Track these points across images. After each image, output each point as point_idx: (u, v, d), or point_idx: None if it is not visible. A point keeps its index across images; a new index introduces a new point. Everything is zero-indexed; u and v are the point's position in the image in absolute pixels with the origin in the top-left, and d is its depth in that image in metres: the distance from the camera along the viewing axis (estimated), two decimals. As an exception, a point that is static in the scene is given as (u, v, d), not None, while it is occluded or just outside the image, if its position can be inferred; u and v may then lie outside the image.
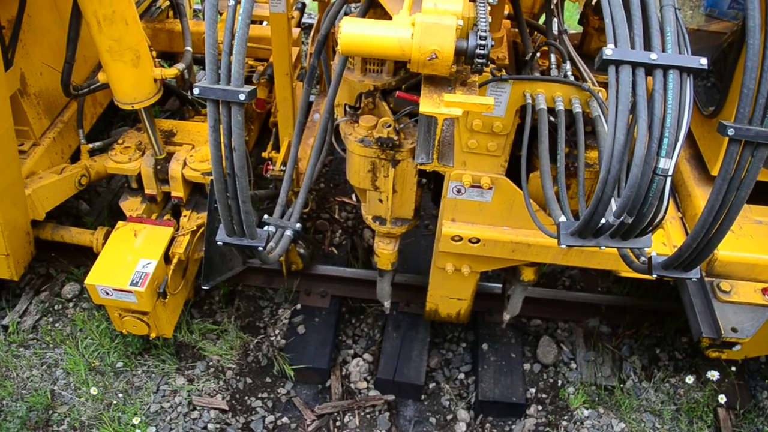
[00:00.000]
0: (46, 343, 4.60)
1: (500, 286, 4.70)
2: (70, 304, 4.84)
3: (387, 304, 4.34)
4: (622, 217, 2.07)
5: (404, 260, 4.05)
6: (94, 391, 4.27)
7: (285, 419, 4.30)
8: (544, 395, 4.51)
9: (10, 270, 4.26)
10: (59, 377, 4.41)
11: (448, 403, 4.44)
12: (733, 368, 4.42)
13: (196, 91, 2.17)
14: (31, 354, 4.53)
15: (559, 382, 4.57)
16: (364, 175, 3.28)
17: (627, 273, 3.63)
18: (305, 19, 7.61)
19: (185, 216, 4.48)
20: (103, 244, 4.22)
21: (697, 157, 3.97)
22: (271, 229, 2.93)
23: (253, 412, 4.31)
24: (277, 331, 4.72)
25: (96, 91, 4.45)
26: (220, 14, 4.31)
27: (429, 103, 2.19)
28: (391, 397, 4.39)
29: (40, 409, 4.22)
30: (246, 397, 4.39)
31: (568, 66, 3.03)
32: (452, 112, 2.13)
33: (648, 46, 1.94)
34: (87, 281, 3.92)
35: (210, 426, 4.20)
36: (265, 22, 5.79)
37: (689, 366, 4.65)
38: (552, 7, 3.35)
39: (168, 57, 5.89)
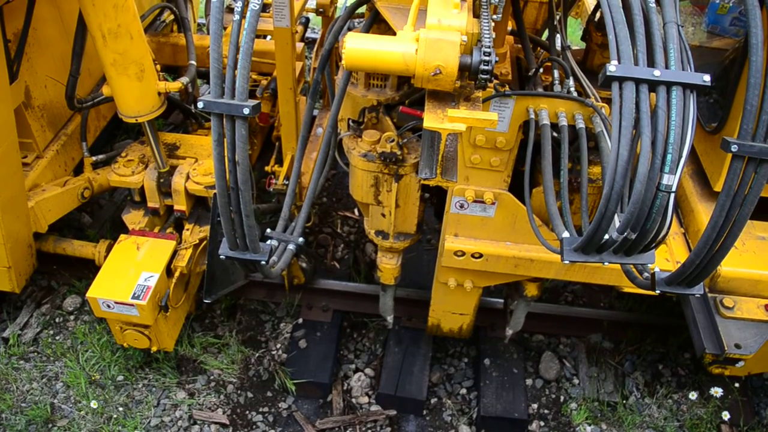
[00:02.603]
0: (46, 355, 4.59)
1: (502, 301, 4.69)
2: (72, 317, 4.83)
3: (390, 318, 4.33)
4: (625, 233, 2.06)
5: (406, 275, 4.04)
6: (94, 404, 4.25)
7: (286, 434, 4.28)
8: (546, 411, 4.48)
9: (12, 282, 4.26)
10: (59, 390, 4.39)
11: (449, 418, 4.42)
12: (737, 384, 4.40)
13: (200, 104, 2.18)
14: (32, 367, 4.51)
15: (562, 398, 4.55)
16: (367, 189, 3.28)
17: (630, 288, 3.63)
18: (309, 34, 7.65)
19: (188, 229, 4.47)
20: (105, 257, 4.22)
21: (699, 172, 3.97)
22: (274, 243, 2.93)
23: (254, 427, 4.29)
24: (278, 345, 4.70)
25: (100, 104, 4.47)
26: (225, 29, 4.33)
27: (433, 119, 2.20)
28: (393, 412, 4.36)
29: (40, 423, 4.20)
30: (247, 412, 4.37)
31: (571, 82, 3.05)
32: (456, 128, 2.14)
33: (651, 63, 1.95)
34: (88, 294, 3.91)
35: (210, 440, 4.18)
36: (269, 37, 5.82)
37: (692, 382, 4.63)
38: (555, 23, 3.36)
39: (172, 71, 5.91)
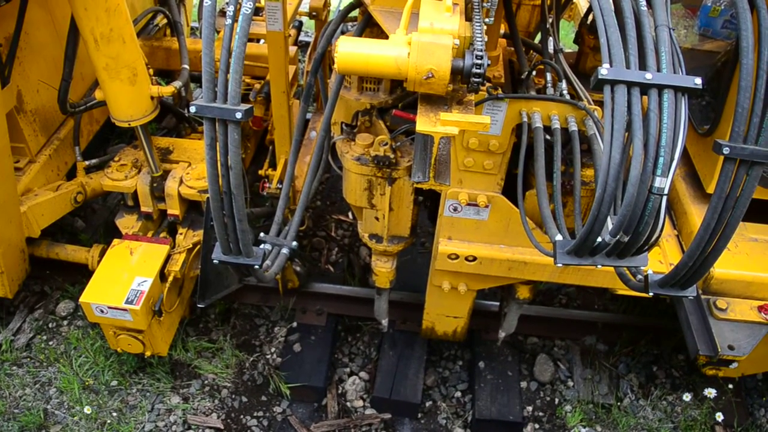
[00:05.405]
0: (39, 361, 4.56)
1: (497, 304, 4.69)
2: (65, 322, 4.81)
3: (384, 322, 4.33)
4: (618, 236, 2.06)
5: (400, 278, 4.04)
6: (88, 410, 4.24)
7: (280, 438, 4.27)
8: (541, 413, 4.48)
9: (5, 288, 4.24)
10: (53, 396, 4.37)
11: (444, 421, 4.41)
12: (731, 386, 4.41)
13: (192, 109, 2.17)
14: (25, 372, 4.49)
15: (556, 400, 4.55)
16: (361, 193, 3.28)
17: (623, 291, 3.63)
18: (302, 38, 7.65)
19: (181, 234, 4.47)
20: (99, 262, 4.20)
21: (692, 175, 3.98)
22: (268, 247, 2.93)
23: (249, 431, 4.28)
24: (273, 349, 4.69)
25: (93, 108, 4.46)
26: (217, 32, 4.31)
27: (425, 122, 2.19)
28: (388, 416, 4.36)
29: (33, 429, 4.18)
30: (241, 416, 4.36)
31: (563, 85, 3.05)
32: (448, 131, 2.14)
33: (643, 66, 1.95)
34: (82, 299, 3.90)
35: (205, 445, 4.17)
36: (262, 41, 5.81)
37: (686, 384, 4.64)
38: (547, 26, 3.37)
39: (165, 75, 5.91)
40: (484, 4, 2.61)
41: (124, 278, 4.00)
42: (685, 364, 4.75)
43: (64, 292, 4.97)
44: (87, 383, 4.42)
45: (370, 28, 2.99)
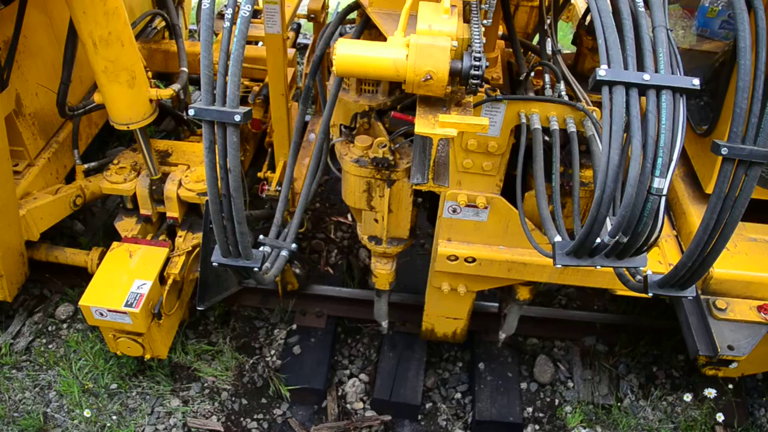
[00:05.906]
0: (39, 364, 4.56)
1: (496, 305, 4.69)
2: (64, 326, 4.81)
3: (384, 323, 4.33)
4: (617, 237, 2.07)
5: (400, 279, 4.04)
6: (87, 413, 4.23)
7: (281, 441, 4.27)
8: (541, 414, 4.48)
9: (4, 291, 4.24)
10: (52, 399, 4.37)
11: (444, 423, 4.41)
12: (731, 386, 4.41)
13: (191, 112, 2.17)
14: (24, 376, 4.49)
15: (556, 401, 4.55)
16: (360, 195, 3.28)
17: (623, 291, 3.63)
18: (300, 40, 7.65)
19: (180, 236, 4.46)
20: (98, 265, 4.20)
21: (691, 175, 3.98)
22: (267, 249, 2.93)
23: (249, 434, 4.28)
24: (272, 352, 4.69)
25: (91, 111, 4.46)
26: (216, 35, 4.31)
27: (424, 124, 2.20)
28: (388, 418, 4.35)
29: (33, 432, 4.18)
30: (241, 419, 4.35)
31: (562, 86, 3.05)
32: (447, 133, 2.14)
33: (641, 67, 1.96)
34: (81, 302, 3.89)
35: (205, 448, 4.16)
36: (260, 43, 5.82)
37: (686, 384, 4.64)
38: (546, 27, 3.37)
39: (164, 77, 5.91)
40: (482, 6, 2.61)
41: (124, 281, 3.99)
42: (685, 364, 4.75)
43: (64, 295, 4.97)
44: (86, 386, 4.42)
45: (368, 30, 3.00)
